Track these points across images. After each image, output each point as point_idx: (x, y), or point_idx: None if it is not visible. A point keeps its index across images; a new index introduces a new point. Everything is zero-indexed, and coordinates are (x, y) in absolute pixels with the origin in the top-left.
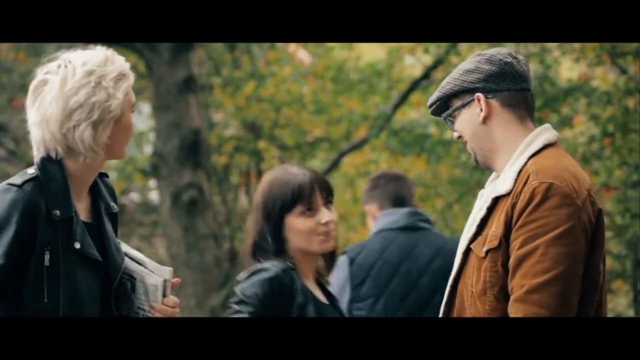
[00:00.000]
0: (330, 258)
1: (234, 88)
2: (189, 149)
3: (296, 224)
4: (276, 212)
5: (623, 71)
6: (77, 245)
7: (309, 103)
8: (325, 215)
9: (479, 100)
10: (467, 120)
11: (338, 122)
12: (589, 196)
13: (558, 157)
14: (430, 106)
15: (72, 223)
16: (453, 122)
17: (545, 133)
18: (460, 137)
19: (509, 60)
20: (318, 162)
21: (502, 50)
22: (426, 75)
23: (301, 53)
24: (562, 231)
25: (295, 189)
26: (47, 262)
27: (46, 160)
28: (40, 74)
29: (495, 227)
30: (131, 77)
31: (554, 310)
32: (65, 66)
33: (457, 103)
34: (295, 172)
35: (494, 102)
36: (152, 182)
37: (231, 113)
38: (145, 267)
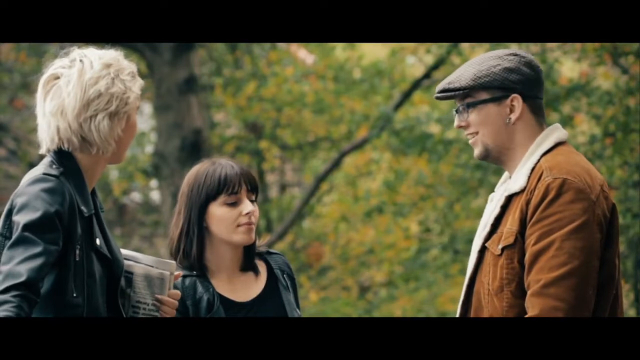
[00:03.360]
0: (248, 252)
1: (235, 88)
2: (190, 149)
3: (219, 212)
4: (201, 199)
5: (624, 71)
6: (98, 242)
7: (310, 103)
8: (248, 206)
9: (512, 101)
10: (493, 116)
11: (339, 121)
12: (602, 191)
13: (570, 154)
14: (449, 90)
15: (92, 220)
16: (467, 112)
17: (556, 132)
18: (464, 126)
19: (540, 68)
20: (319, 162)
21: (530, 55)
22: (427, 75)
23: (302, 53)
24: (577, 225)
25: (222, 178)
26: (77, 257)
27: (62, 156)
28: (51, 68)
29: (510, 224)
30: (140, 80)
31: (571, 303)
32: (81, 60)
33: (483, 96)
34: (224, 163)
35: (526, 106)
36: (153, 182)
37: (232, 113)
38: (138, 262)
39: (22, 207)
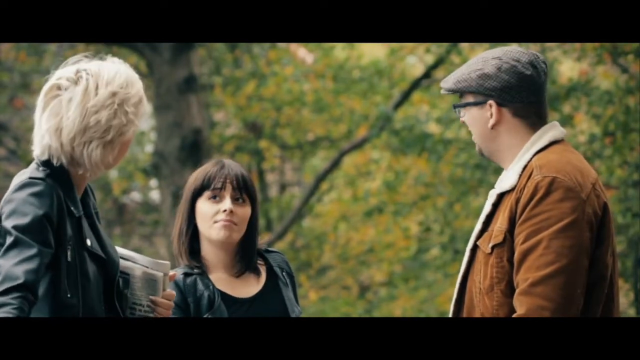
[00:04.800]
0: (243, 254)
1: (235, 87)
2: (189, 148)
3: (202, 207)
4: (190, 195)
5: (624, 70)
6: (89, 242)
7: (309, 102)
8: (227, 203)
9: (490, 106)
10: (477, 119)
11: (339, 121)
12: (593, 190)
13: (563, 152)
14: (445, 90)
15: (82, 220)
16: (462, 111)
17: (551, 130)
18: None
19: (529, 72)
20: (319, 161)
21: (523, 58)
22: (427, 74)
23: (302, 52)
24: (566, 224)
25: (208, 175)
26: (69, 258)
27: (48, 162)
28: (55, 75)
29: (500, 223)
30: (145, 100)
31: (558, 303)
32: (87, 79)
33: (469, 99)
34: (217, 163)
35: (506, 111)
36: (153, 182)
37: (232, 112)
38: (135, 263)
39: (12, 213)
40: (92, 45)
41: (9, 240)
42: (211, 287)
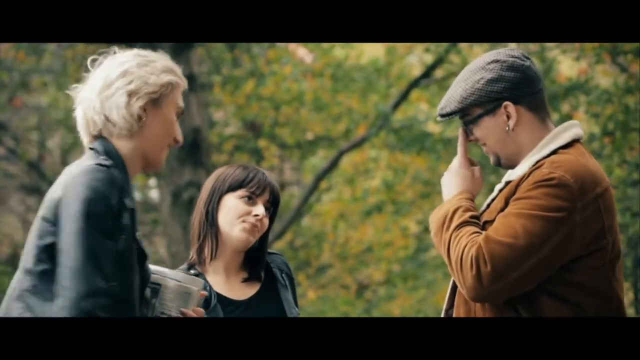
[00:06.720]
0: (249, 259)
1: (234, 87)
2: (189, 147)
3: (232, 202)
4: (223, 187)
5: (623, 69)
6: (138, 236)
7: (308, 101)
8: (261, 209)
9: (505, 108)
10: (492, 128)
11: (338, 120)
12: (594, 201)
13: (582, 155)
14: (445, 115)
15: (135, 213)
16: (469, 128)
17: (573, 128)
18: (474, 141)
19: (527, 64)
20: (318, 160)
21: (515, 53)
22: (426, 74)
23: (301, 51)
24: (546, 217)
25: (250, 176)
26: (121, 247)
27: (106, 148)
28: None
29: (497, 202)
30: (179, 82)
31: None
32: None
33: (477, 111)
34: (254, 169)
35: (521, 108)
36: (152, 181)
37: (231, 112)
38: (166, 277)
39: (76, 198)
40: (92, 45)
41: (72, 226)
42: (207, 288)
